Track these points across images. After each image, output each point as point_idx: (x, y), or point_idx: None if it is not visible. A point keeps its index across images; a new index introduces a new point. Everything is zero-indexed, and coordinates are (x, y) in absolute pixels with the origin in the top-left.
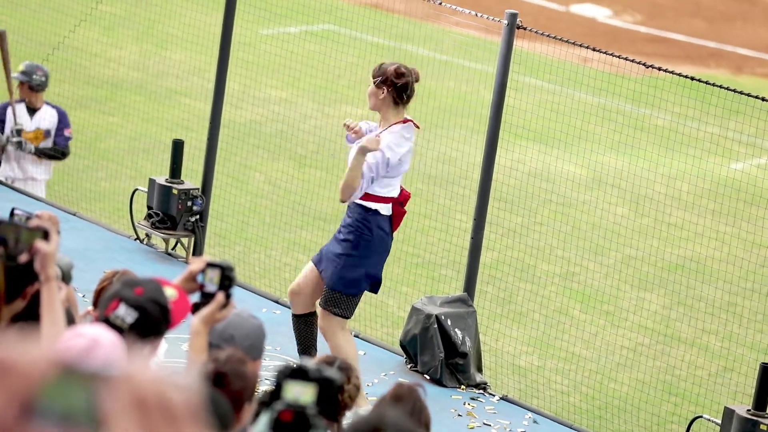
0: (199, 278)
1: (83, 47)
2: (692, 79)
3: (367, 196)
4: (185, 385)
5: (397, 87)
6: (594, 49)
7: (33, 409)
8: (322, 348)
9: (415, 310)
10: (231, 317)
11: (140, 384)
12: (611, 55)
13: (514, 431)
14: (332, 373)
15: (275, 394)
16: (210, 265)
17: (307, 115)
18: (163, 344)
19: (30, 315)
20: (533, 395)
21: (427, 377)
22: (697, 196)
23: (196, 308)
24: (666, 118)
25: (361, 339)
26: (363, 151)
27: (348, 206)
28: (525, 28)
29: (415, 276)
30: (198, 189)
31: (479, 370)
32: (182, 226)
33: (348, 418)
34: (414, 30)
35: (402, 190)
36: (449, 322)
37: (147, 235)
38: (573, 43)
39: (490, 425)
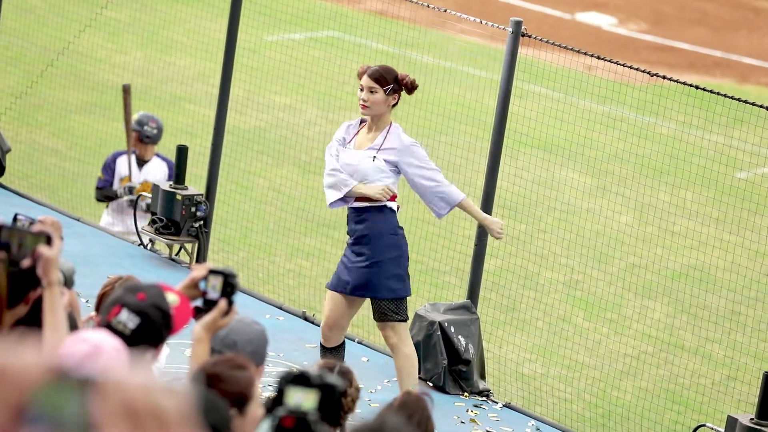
0: (202, 285)
1: (88, 53)
2: (697, 87)
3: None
4: (177, 391)
5: (408, 93)
6: (599, 57)
7: (25, 414)
8: None
9: (418, 317)
10: (234, 323)
11: (131, 390)
12: (616, 63)
13: None
14: (334, 379)
15: (277, 400)
16: (212, 271)
17: (311, 122)
18: (165, 350)
19: (32, 320)
20: (536, 403)
21: (430, 384)
22: (701, 205)
23: (198, 315)
24: (670, 127)
25: (365, 345)
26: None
27: (356, 220)
28: (530, 36)
29: (419, 283)
30: (202, 195)
31: (482, 377)
32: (186, 232)
33: (350, 422)
34: (419, 37)
35: None
36: (452, 330)
37: (150, 240)
38: (578, 51)
39: None
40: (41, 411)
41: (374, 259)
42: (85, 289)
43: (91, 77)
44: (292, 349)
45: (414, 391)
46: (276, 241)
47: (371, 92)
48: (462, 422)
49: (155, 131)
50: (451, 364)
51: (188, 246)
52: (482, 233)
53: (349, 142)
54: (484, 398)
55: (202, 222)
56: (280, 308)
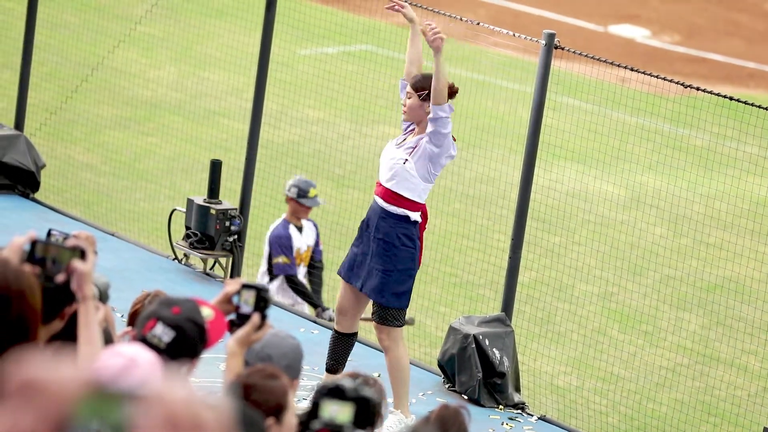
0: (235, 300)
1: (122, 68)
2: (731, 99)
3: (402, 202)
4: (217, 404)
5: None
6: (632, 69)
7: (66, 428)
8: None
9: (452, 330)
10: (268, 337)
11: (172, 403)
12: (649, 75)
13: None
14: (369, 392)
15: (313, 413)
16: (245, 286)
17: (344, 136)
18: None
19: (68, 335)
20: (571, 415)
21: (465, 397)
22: (736, 216)
23: (232, 329)
24: (705, 138)
25: None
26: (437, 49)
27: (381, 216)
28: (563, 48)
29: (453, 296)
30: (236, 209)
31: (517, 389)
32: (220, 246)
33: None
34: (452, 50)
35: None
36: (487, 342)
37: (185, 255)
38: (611, 63)
39: None
40: (84, 424)
41: (390, 269)
42: (120, 304)
43: (125, 92)
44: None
45: (452, 405)
46: None
47: (409, 98)
48: None
49: (294, 195)
50: (485, 376)
51: (222, 260)
52: (516, 245)
53: (403, 134)
54: (519, 411)
55: (236, 236)
56: (315, 322)
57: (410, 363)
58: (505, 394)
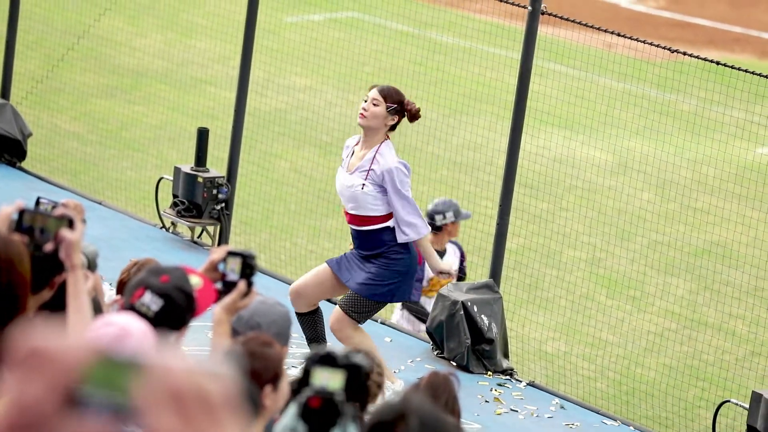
0: (221, 267)
1: (108, 36)
2: (717, 63)
3: (373, 221)
4: (220, 374)
5: (409, 121)
6: (618, 35)
7: (77, 397)
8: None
9: (441, 297)
10: (257, 305)
11: (175, 374)
12: (635, 40)
13: (542, 417)
14: (360, 359)
15: (303, 381)
16: (231, 253)
17: (331, 103)
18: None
19: (57, 304)
20: (560, 381)
21: (454, 363)
22: (723, 181)
23: (219, 297)
24: (691, 103)
25: (387, 326)
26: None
27: (361, 238)
28: (549, 14)
29: None
30: (223, 177)
31: (506, 356)
32: (208, 215)
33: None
34: (438, 16)
35: None
36: (475, 309)
37: (173, 223)
38: (597, 29)
39: (517, 411)
40: (94, 392)
41: (381, 264)
42: (108, 273)
43: (111, 60)
44: None
45: (441, 372)
46: (298, 223)
47: (374, 104)
48: (486, 401)
49: (453, 218)
50: (474, 343)
51: (210, 228)
52: (504, 212)
53: (346, 158)
54: (507, 377)
55: (223, 204)
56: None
57: (399, 330)
58: (494, 361)
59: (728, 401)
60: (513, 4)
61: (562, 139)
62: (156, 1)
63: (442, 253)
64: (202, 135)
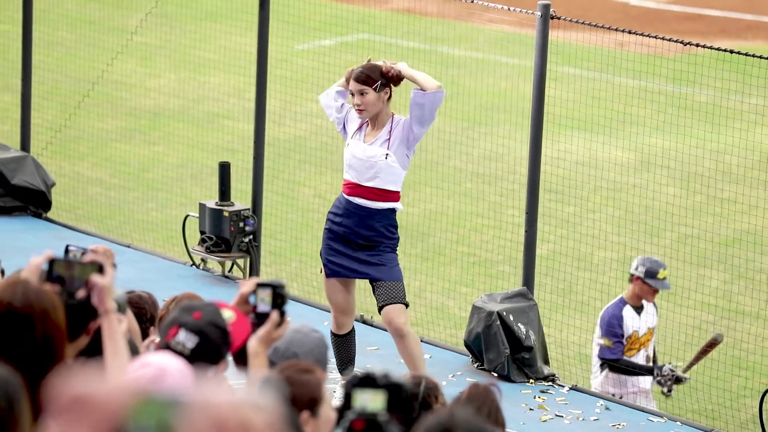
0: (252, 299)
1: (122, 79)
2: (731, 52)
3: (388, 196)
4: (261, 404)
5: (397, 84)
6: (630, 32)
7: None
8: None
9: (476, 309)
10: (292, 335)
11: (218, 407)
12: (647, 36)
13: (587, 420)
14: (400, 378)
15: (346, 405)
16: (260, 285)
17: None
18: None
19: (94, 350)
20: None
21: (495, 374)
22: (747, 168)
23: (252, 329)
24: (708, 94)
25: (426, 342)
26: (399, 75)
27: (368, 216)
28: (559, 18)
29: (473, 275)
30: (248, 209)
31: (546, 362)
32: (236, 248)
33: None
34: (448, 31)
35: None
36: (511, 318)
37: (202, 260)
38: (608, 28)
39: (562, 416)
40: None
41: (388, 251)
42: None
43: (126, 103)
44: None
45: (481, 383)
46: None
47: (362, 95)
48: (530, 409)
49: (641, 274)
50: (513, 352)
51: (240, 262)
52: (531, 219)
53: (358, 131)
54: (550, 383)
55: (251, 236)
56: None
57: (438, 346)
58: (535, 368)
59: None
60: (523, 11)
61: (583, 141)
62: (166, 41)
63: (638, 309)
64: (224, 169)
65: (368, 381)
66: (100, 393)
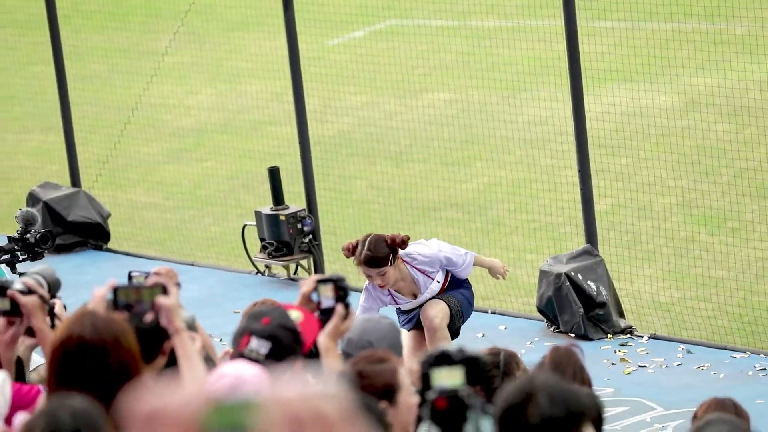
0: (314, 297)
1: (160, 102)
2: None
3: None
4: (334, 395)
5: (404, 248)
6: None
7: None
8: None
9: (543, 273)
10: (363, 324)
11: (292, 402)
12: None
13: (671, 366)
14: (475, 351)
15: (425, 386)
16: (320, 281)
17: (392, 112)
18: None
19: (173, 369)
20: (681, 327)
21: (572, 335)
22: None
23: (320, 326)
24: (743, 26)
25: (499, 314)
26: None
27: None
28: None
29: (536, 240)
30: (304, 210)
31: (621, 315)
32: (298, 249)
33: None
34: (475, 3)
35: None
36: (580, 277)
37: (266, 266)
38: None
39: (645, 366)
40: None
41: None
42: (214, 330)
43: (169, 125)
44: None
45: (561, 345)
46: None
47: (381, 276)
48: (613, 364)
49: None
50: (587, 310)
51: (304, 262)
52: (585, 176)
53: (401, 298)
54: (628, 335)
55: (310, 236)
56: None
57: (512, 316)
58: (611, 323)
59: None
60: None
61: (626, 91)
62: (198, 57)
63: None
64: (274, 174)
65: (444, 358)
66: (174, 405)
